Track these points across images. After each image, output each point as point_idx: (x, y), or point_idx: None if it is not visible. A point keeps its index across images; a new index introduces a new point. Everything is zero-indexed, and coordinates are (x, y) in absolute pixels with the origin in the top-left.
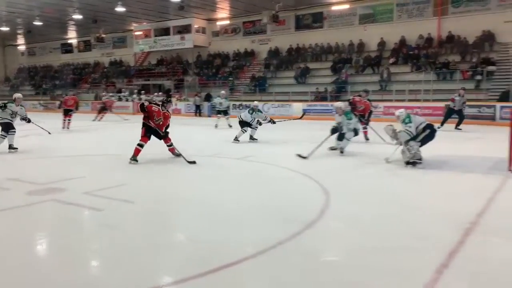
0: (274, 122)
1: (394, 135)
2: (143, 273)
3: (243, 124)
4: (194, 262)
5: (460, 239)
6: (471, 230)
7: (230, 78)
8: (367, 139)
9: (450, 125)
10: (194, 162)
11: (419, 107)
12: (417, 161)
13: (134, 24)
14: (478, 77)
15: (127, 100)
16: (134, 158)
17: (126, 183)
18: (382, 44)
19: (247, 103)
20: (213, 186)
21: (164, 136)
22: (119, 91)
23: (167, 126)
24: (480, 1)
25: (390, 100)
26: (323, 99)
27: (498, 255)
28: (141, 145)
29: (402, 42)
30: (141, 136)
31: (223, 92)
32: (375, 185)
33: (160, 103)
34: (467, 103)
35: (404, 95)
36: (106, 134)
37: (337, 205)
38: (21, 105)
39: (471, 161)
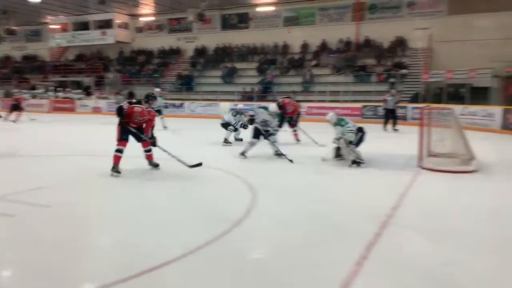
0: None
1: (346, 144)
2: (61, 282)
3: (226, 125)
4: (118, 267)
5: (378, 231)
6: (387, 222)
7: (156, 75)
8: (298, 140)
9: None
10: (200, 164)
11: (339, 108)
12: (361, 161)
13: (50, 17)
14: (392, 80)
15: (41, 98)
16: (115, 169)
17: (42, 186)
18: (305, 46)
19: (176, 102)
20: (139, 189)
21: (146, 139)
22: (33, 88)
23: (152, 127)
24: (393, 8)
25: (313, 101)
26: (250, 99)
27: (410, 245)
28: (120, 151)
29: (324, 45)
30: (118, 140)
31: (157, 89)
32: (301, 184)
33: (143, 101)
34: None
35: (325, 96)
36: (19, 134)
37: (265, 203)
38: None
39: (387, 158)
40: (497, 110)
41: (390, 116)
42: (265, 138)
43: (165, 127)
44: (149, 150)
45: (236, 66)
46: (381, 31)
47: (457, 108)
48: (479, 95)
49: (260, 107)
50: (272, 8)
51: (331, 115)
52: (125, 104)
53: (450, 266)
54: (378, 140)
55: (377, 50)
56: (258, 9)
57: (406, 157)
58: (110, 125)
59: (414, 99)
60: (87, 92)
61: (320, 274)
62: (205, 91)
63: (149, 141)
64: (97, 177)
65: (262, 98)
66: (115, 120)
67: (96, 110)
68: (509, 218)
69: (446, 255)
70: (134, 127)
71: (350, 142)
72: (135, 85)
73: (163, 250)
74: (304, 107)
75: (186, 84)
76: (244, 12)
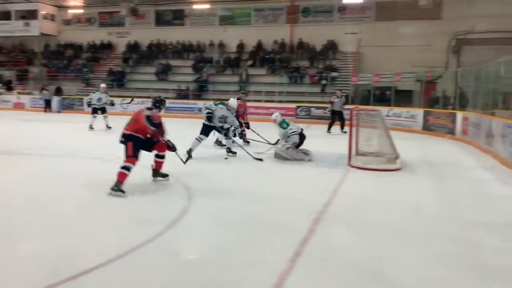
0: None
1: (291, 146)
2: None
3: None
4: (45, 274)
5: (311, 228)
6: (320, 219)
7: (85, 70)
8: (247, 142)
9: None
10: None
11: (274, 108)
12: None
13: None
14: (324, 82)
15: None
16: (118, 187)
17: None
18: (241, 46)
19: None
20: (64, 190)
21: (164, 141)
22: None
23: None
24: (325, 12)
25: (249, 101)
26: (185, 97)
27: (341, 240)
28: (128, 168)
29: (259, 45)
30: (128, 156)
31: (103, 85)
32: (237, 182)
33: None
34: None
35: (261, 96)
36: None
37: (201, 203)
38: None
39: (318, 157)
40: (418, 112)
41: (337, 118)
42: (225, 135)
43: (108, 127)
44: (164, 156)
45: (170, 63)
46: (314, 34)
47: (383, 110)
48: (403, 97)
49: (218, 103)
50: (207, 6)
51: (276, 115)
52: (150, 112)
53: (377, 260)
54: (309, 140)
55: (310, 52)
56: (194, 6)
57: (337, 156)
58: (34, 122)
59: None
60: (8, 86)
61: (255, 272)
62: (138, 88)
63: (166, 144)
64: (17, 177)
65: (197, 96)
66: (40, 117)
67: (18, 106)
68: (429, 212)
69: (374, 249)
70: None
71: (294, 147)
72: (62, 81)
73: (94, 254)
74: None
75: (118, 80)
76: (180, 9)
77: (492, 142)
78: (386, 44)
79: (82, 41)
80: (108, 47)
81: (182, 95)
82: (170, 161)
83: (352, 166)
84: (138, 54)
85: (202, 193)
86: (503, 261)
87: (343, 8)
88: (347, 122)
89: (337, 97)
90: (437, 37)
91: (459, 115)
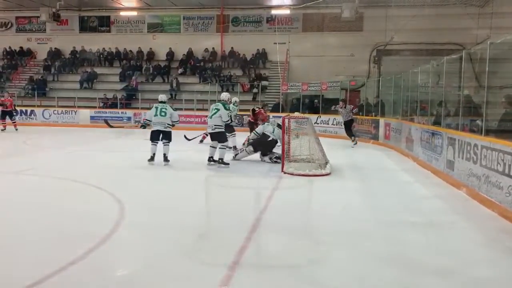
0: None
1: None
2: None
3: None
4: None
5: (248, 236)
6: (256, 226)
7: (1, 80)
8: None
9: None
10: None
11: (206, 116)
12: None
13: None
14: (255, 90)
15: None
16: None
17: None
18: (171, 54)
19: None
20: None
21: None
22: None
23: None
24: (254, 22)
25: (181, 109)
26: (114, 106)
27: (277, 245)
28: None
29: (190, 54)
30: None
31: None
32: (170, 193)
33: None
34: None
35: (192, 104)
36: None
37: (133, 216)
38: None
39: (253, 165)
40: None
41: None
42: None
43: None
44: None
45: (96, 71)
46: (244, 43)
47: (313, 117)
48: (330, 105)
49: None
50: (134, 13)
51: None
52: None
53: (313, 263)
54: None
55: (241, 61)
56: (121, 13)
57: (270, 163)
58: None
59: (275, 108)
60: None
61: (193, 283)
62: (61, 97)
63: None
64: None
65: (127, 105)
66: None
67: None
68: (356, 213)
69: (309, 252)
70: None
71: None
72: None
73: (18, 275)
74: None
75: (39, 89)
76: (106, 15)
77: (412, 146)
78: (313, 54)
79: None
80: (27, 53)
81: (109, 104)
82: (95, 172)
83: (285, 173)
84: (60, 62)
85: (133, 205)
86: (425, 257)
87: (271, 19)
88: None
89: (341, 107)
90: (360, 48)
91: (382, 121)
